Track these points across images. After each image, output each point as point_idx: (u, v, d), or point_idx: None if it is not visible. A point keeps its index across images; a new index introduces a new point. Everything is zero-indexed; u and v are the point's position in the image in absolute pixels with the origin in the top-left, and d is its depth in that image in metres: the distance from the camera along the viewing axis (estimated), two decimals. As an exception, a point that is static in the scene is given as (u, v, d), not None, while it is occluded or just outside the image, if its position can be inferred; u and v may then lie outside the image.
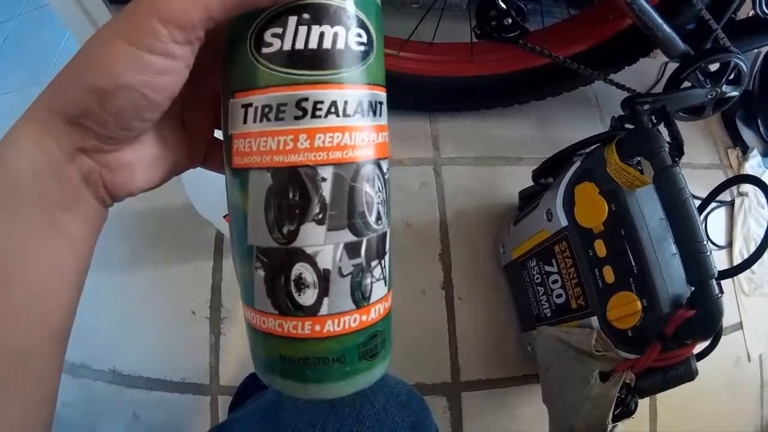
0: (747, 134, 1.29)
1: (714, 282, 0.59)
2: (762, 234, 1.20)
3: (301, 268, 0.25)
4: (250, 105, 0.25)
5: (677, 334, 0.61)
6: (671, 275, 0.65)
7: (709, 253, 0.59)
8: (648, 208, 0.67)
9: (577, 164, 0.73)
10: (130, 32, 0.22)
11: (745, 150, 1.27)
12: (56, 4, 0.60)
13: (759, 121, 1.25)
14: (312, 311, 0.25)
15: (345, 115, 0.25)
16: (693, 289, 0.62)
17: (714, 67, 0.94)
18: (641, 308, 0.64)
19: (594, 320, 0.70)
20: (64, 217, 0.25)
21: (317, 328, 0.25)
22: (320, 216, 0.25)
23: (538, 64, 0.96)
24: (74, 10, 0.59)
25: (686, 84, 0.94)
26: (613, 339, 0.67)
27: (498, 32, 0.78)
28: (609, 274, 0.68)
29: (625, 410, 0.68)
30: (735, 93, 0.96)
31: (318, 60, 0.24)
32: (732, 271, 0.72)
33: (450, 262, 0.96)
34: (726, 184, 0.79)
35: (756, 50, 1.06)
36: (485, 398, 0.90)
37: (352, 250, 0.26)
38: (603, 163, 0.67)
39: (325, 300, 0.25)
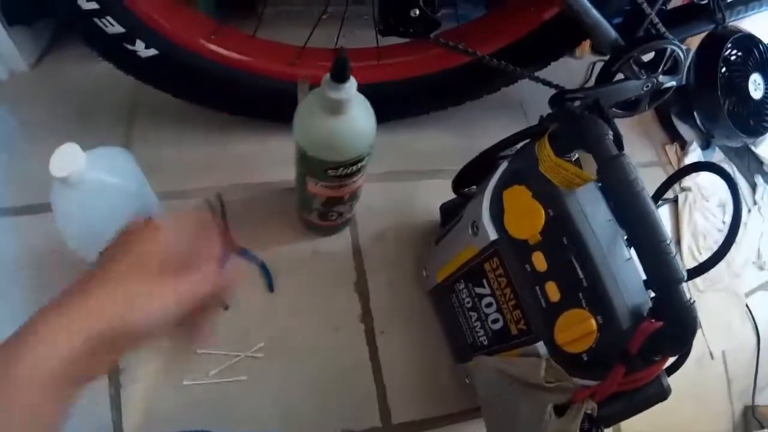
0: (683, 129, 1.26)
1: (683, 286, 0.50)
2: (709, 227, 1.17)
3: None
4: None
5: (644, 350, 0.51)
6: (626, 284, 0.55)
7: (675, 254, 0.50)
8: (592, 210, 0.57)
9: (504, 166, 0.62)
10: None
11: (683, 144, 1.23)
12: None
13: (695, 114, 1.21)
14: None
15: None
16: (655, 296, 0.53)
17: (648, 57, 0.88)
18: (596, 326, 0.54)
19: (540, 346, 0.59)
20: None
21: None
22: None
23: (455, 65, 0.87)
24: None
25: (619, 77, 0.87)
26: (565, 366, 0.57)
27: (404, 26, 0.69)
28: (553, 291, 0.57)
29: (590, 444, 0.58)
30: (672, 83, 0.90)
31: None
32: (699, 269, 0.63)
33: (367, 291, 0.86)
34: (680, 173, 0.71)
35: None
36: (423, 441, 0.80)
37: None
38: (534, 162, 0.57)
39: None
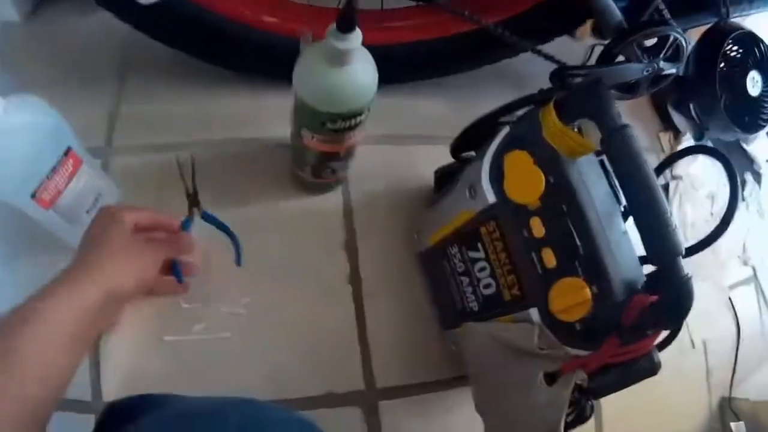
0: (678, 119, 1.25)
1: (681, 260, 0.50)
2: (697, 218, 1.17)
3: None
4: None
5: (637, 324, 0.51)
6: (622, 257, 0.55)
7: (674, 227, 0.50)
8: (591, 180, 0.56)
9: (506, 130, 0.61)
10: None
11: (677, 134, 1.23)
12: None
13: (691, 105, 1.21)
14: None
15: None
16: (652, 270, 0.52)
17: (650, 42, 0.87)
18: (591, 296, 0.53)
19: (533, 312, 0.58)
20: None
21: None
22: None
23: (458, 32, 0.86)
24: None
25: (620, 58, 0.87)
26: (558, 334, 0.57)
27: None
28: (549, 258, 0.56)
29: (579, 416, 0.58)
30: (673, 70, 0.90)
31: None
32: (698, 246, 0.63)
33: (357, 252, 0.84)
34: (678, 155, 0.71)
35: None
36: (407, 407, 0.79)
37: None
38: (538, 128, 0.56)
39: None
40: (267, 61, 0.83)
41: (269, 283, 0.78)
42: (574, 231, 0.55)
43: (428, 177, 0.86)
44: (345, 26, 0.53)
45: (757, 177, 1.34)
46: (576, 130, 0.56)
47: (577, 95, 0.55)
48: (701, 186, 1.19)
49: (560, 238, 0.56)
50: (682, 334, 1.00)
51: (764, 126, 1.21)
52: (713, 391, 1.06)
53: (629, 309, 0.51)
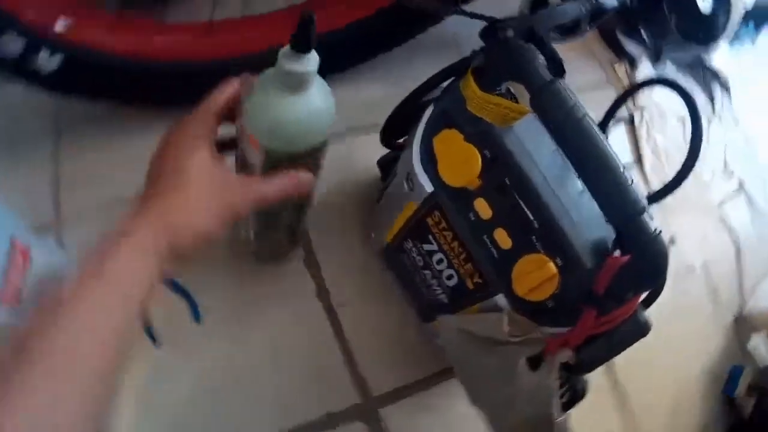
0: (630, 46, 1.20)
1: (646, 216, 0.45)
2: (669, 145, 1.13)
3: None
4: None
5: (613, 288, 0.47)
6: (584, 217, 0.50)
7: (631, 182, 0.45)
8: (534, 144, 0.51)
9: (430, 110, 0.56)
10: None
11: (632, 62, 1.18)
12: None
13: (641, 30, 1.16)
14: None
15: None
16: (618, 230, 0.48)
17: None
18: (557, 270, 0.49)
19: (500, 299, 0.54)
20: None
21: None
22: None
23: (382, 7, 0.81)
24: None
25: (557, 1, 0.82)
26: (530, 316, 0.52)
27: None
28: (503, 238, 0.52)
29: (574, 394, 0.54)
30: (613, 2, 0.85)
31: None
32: (661, 193, 0.59)
33: (318, 264, 0.80)
34: (630, 91, 0.67)
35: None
36: (409, 408, 0.76)
37: None
38: (462, 101, 0.52)
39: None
40: (184, 88, 0.78)
41: (237, 324, 0.74)
42: (522, 204, 0.50)
43: (375, 169, 0.82)
44: (303, 45, 0.45)
45: (725, 89, 1.30)
46: (503, 93, 0.52)
47: (493, 58, 0.51)
48: (668, 111, 1.15)
49: (510, 215, 0.51)
50: (680, 263, 0.99)
51: (719, 38, 1.16)
52: (724, 310, 1.04)
53: (601, 276, 0.47)
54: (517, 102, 0.54)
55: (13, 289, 0.54)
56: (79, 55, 0.69)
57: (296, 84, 0.47)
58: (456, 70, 0.58)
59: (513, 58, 0.49)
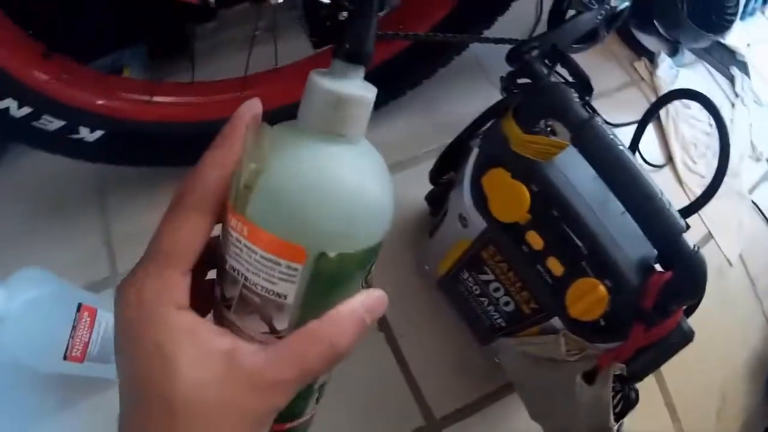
0: (647, 41, 1.23)
1: (684, 237, 0.49)
2: (697, 134, 1.15)
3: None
4: None
5: (659, 303, 0.50)
6: (627, 238, 0.54)
7: (669, 206, 0.49)
8: (575, 173, 0.55)
9: (475, 152, 0.60)
10: None
11: (651, 57, 1.20)
12: None
13: (656, 23, 1.18)
14: None
15: None
16: (660, 250, 0.52)
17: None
18: (606, 291, 0.53)
19: (556, 321, 0.58)
20: None
21: None
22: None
23: (400, 50, 0.83)
24: None
25: (571, 13, 0.85)
26: (585, 334, 0.56)
27: (337, 31, 0.66)
28: (555, 266, 0.55)
29: (627, 402, 0.58)
30: (626, 4, 0.88)
31: None
32: (695, 206, 0.62)
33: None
34: (657, 105, 0.69)
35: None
36: (470, 426, 0.79)
37: None
38: (505, 141, 0.55)
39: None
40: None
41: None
42: (571, 233, 0.54)
43: (422, 201, 0.84)
44: (358, 55, 0.27)
45: (743, 67, 1.31)
46: (542, 129, 0.55)
47: (532, 100, 0.54)
48: (691, 102, 1.16)
49: (560, 243, 0.55)
50: (716, 257, 1.01)
51: (733, 20, 1.18)
52: (764, 299, 1.04)
53: (646, 292, 0.51)
54: (555, 134, 0.58)
55: (80, 345, 0.60)
56: (120, 126, 0.71)
57: (351, 121, 0.28)
58: (496, 111, 0.62)
59: (550, 99, 0.52)
